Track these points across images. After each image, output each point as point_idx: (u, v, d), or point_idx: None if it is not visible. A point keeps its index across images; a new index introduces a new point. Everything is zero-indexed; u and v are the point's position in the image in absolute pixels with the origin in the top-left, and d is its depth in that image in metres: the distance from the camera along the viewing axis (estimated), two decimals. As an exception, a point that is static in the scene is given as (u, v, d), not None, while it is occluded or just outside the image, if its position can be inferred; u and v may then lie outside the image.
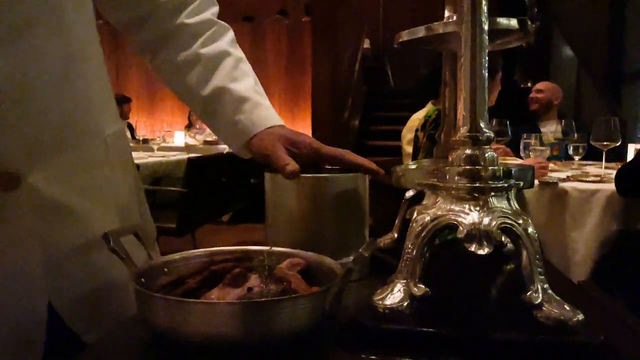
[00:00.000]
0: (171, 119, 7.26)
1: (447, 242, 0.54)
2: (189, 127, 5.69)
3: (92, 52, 0.64)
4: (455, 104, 0.58)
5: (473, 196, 0.46)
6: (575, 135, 2.49)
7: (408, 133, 2.33)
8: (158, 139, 4.34)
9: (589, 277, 1.88)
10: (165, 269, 0.54)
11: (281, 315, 0.43)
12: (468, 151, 0.48)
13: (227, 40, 0.77)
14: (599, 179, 2.09)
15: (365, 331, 0.46)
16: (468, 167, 0.47)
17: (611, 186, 1.88)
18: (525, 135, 2.40)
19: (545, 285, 0.44)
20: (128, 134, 0.81)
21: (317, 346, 0.46)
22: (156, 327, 0.45)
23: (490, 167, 0.47)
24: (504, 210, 0.46)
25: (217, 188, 3.22)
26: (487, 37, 0.47)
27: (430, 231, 0.46)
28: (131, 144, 0.79)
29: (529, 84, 5.20)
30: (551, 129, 3.10)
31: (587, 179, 2.10)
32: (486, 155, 0.48)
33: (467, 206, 0.46)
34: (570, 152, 2.50)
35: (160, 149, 3.97)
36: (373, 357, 0.44)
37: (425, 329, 0.44)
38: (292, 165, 0.61)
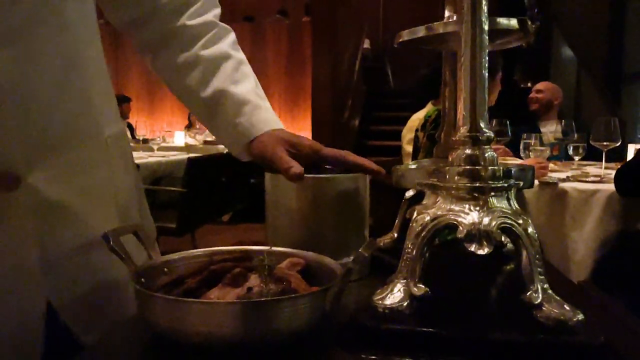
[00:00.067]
0: (171, 119, 7.26)
1: (447, 242, 0.54)
2: (189, 127, 5.69)
3: (93, 53, 0.64)
4: (455, 103, 0.58)
5: (473, 196, 0.46)
6: (575, 135, 2.49)
7: (408, 133, 2.33)
8: (158, 138, 4.34)
9: (589, 277, 1.88)
10: (165, 269, 0.54)
11: (281, 315, 0.43)
12: (468, 151, 0.48)
13: (228, 42, 0.77)
14: (598, 179, 2.09)
15: (365, 331, 0.46)
16: (468, 167, 0.47)
17: (611, 186, 1.88)
18: (525, 136, 2.40)
19: (545, 286, 0.44)
20: (128, 133, 0.81)
21: (317, 346, 0.46)
22: (156, 326, 0.45)
23: (490, 167, 0.47)
24: (504, 210, 0.46)
25: (217, 188, 3.22)
26: (487, 37, 0.47)
27: (430, 231, 0.46)
28: (131, 144, 0.79)
29: (529, 84, 5.20)
30: (551, 129, 3.10)
31: (587, 179, 2.10)
32: (486, 155, 0.48)
33: (467, 206, 0.46)
34: (570, 152, 2.49)
35: (160, 148, 3.97)
36: (373, 357, 0.44)
37: (425, 329, 0.44)
38: (296, 167, 0.61)
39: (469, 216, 0.45)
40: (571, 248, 1.97)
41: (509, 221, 0.45)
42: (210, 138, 4.79)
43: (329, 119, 5.57)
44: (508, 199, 0.47)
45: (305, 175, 0.61)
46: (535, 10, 0.54)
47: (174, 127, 6.12)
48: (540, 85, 3.35)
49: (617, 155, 2.40)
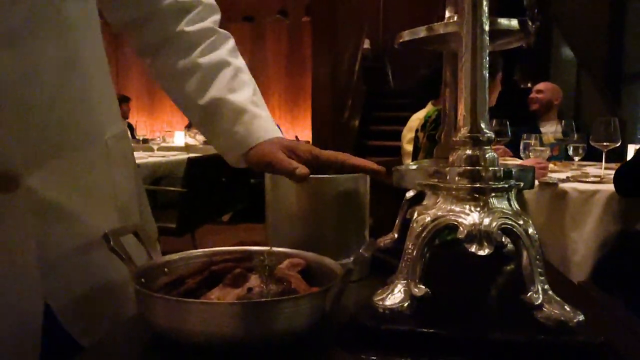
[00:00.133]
0: (171, 119, 7.27)
1: (447, 242, 0.54)
2: (189, 127, 5.68)
3: (94, 53, 0.64)
4: (456, 104, 0.58)
5: (473, 197, 0.46)
6: (575, 135, 2.49)
7: (408, 133, 2.33)
8: (158, 138, 4.35)
9: (589, 278, 1.88)
10: (166, 269, 0.54)
11: (281, 315, 0.43)
12: (469, 152, 0.48)
13: (227, 49, 0.77)
14: (598, 179, 2.09)
15: (366, 331, 0.45)
16: (468, 167, 0.47)
17: (611, 187, 1.88)
18: (525, 136, 2.40)
19: (546, 286, 0.44)
20: (128, 134, 0.81)
21: (317, 346, 0.46)
22: (156, 327, 0.45)
23: (490, 168, 0.47)
24: (504, 210, 0.46)
25: (217, 188, 3.22)
26: (487, 38, 0.47)
27: (430, 231, 0.46)
28: (131, 144, 0.78)
29: (529, 85, 5.20)
30: (551, 130, 3.10)
31: (587, 180, 2.11)
32: (487, 155, 0.48)
33: (467, 207, 0.46)
34: (570, 152, 2.49)
35: (160, 148, 3.97)
36: (373, 357, 0.44)
37: (425, 330, 0.44)
38: (301, 168, 0.60)
39: (470, 217, 0.45)
40: (571, 248, 1.97)
41: (510, 222, 0.45)
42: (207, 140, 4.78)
43: (329, 119, 5.57)
44: (509, 200, 0.47)
45: (306, 175, 0.61)
46: (535, 11, 0.54)
47: (174, 127, 6.12)
48: (540, 86, 3.35)
49: (617, 155, 2.40)
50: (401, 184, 0.59)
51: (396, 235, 0.66)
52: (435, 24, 0.54)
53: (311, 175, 0.63)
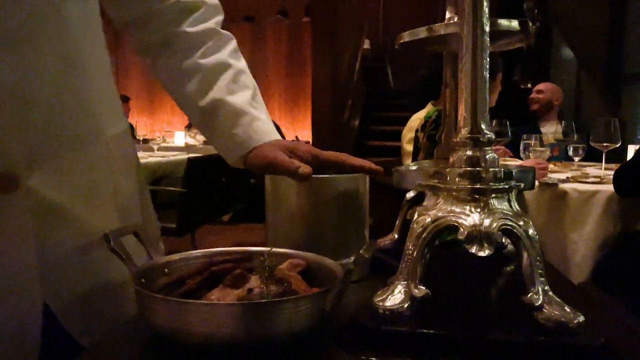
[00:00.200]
0: (171, 119, 7.27)
1: (447, 242, 0.54)
2: (189, 127, 5.68)
3: (95, 53, 0.63)
4: (456, 105, 0.58)
5: (474, 197, 0.46)
6: (575, 136, 2.49)
7: (408, 133, 2.33)
8: (158, 138, 4.35)
9: (589, 278, 1.88)
10: (166, 270, 0.54)
11: (281, 316, 0.43)
12: (469, 152, 0.48)
13: (228, 51, 0.77)
14: (598, 180, 2.09)
15: (366, 332, 0.45)
16: (469, 168, 0.47)
17: (611, 187, 1.88)
18: (525, 136, 2.40)
19: (546, 287, 0.44)
20: (130, 133, 0.79)
21: (317, 347, 0.46)
22: (156, 327, 0.45)
23: (491, 169, 0.47)
24: (504, 211, 0.46)
25: (217, 188, 3.22)
26: (488, 39, 0.47)
27: (431, 232, 0.46)
28: (134, 143, 0.78)
29: (529, 85, 5.20)
30: (551, 130, 3.10)
31: (587, 180, 2.11)
32: (487, 156, 0.48)
33: (467, 207, 0.46)
34: (570, 153, 2.50)
35: (160, 148, 3.97)
36: (373, 358, 0.44)
37: (425, 331, 0.44)
38: (304, 167, 0.60)
39: (470, 218, 0.45)
40: (571, 249, 1.97)
41: (510, 223, 0.45)
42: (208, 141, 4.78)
43: (329, 119, 5.57)
44: (509, 201, 0.47)
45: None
46: (535, 11, 0.54)
47: (174, 127, 6.12)
48: (540, 86, 3.35)
49: (617, 156, 2.40)
50: (401, 184, 0.59)
51: (396, 236, 0.66)
52: (436, 24, 0.54)
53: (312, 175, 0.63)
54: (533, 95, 3.33)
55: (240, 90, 0.74)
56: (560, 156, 2.68)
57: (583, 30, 5.08)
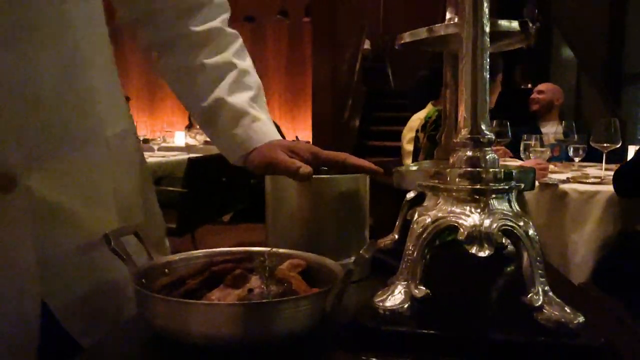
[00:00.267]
0: (171, 119, 7.26)
1: (447, 243, 0.54)
2: (190, 127, 5.68)
3: (97, 52, 0.63)
4: (456, 105, 0.58)
5: (474, 198, 0.46)
6: (575, 136, 2.49)
7: (408, 132, 2.34)
8: (158, 139, 4.35)
9: (589, 279, 1.88)
10: (166, 270, 0.54)
11: (282, 316, 0.43)
12: (469, 153, 0.48)
13: (233, 50, 0.76)
14: (599, 180, 2.09)
15: (366, 332, 0.46)
16: (469, 169, 0.47)
17: (611, 188, 1.88)
18: (525, 137, 2.40)
19: (546, 288, 0.44)
20: (133, 131, 0.78)
21: (318, 347, 0.46)
22: (157, 327, 0.45)
23: (491, 169, 0.47)
24: (504, 212, 0.46)
25: (218, 188, 3.22)
26: (488, 39, 0.48)
27: (431, 233, 0.46)
28: (138, 141, 0.77)
29: (529, 85, 5.20)
30: (552, 130, 3.10)
31: (587, 181, 2.11)
32: (487, 157, 0.48)
33: (468, 208, 0.46)
34: (571, 153, 2.49)
35: (160, 149, 3.97)
36: (373, 358, 0.44)
37: (425, 331, 0.44)
38: (304, 167, 0.60)
39: (470, 218, 0.45)
40: (571, 249, 1.97)
41: (510, 223, 0.45)
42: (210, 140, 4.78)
43: (329, 119, 5.57)
44: (509, 201, 0.47)
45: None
46: (536, 12, 0.54)
47: (174, 127, 6.12)
48: (541, 86, 3.35)
49: (617, 156, 2.40)
50: (402, 185, 0.59)
51: (396, 236, 0.66)
52: (436, 25, 0.54)
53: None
54: (534, 95, 3.33)
55: (242, 90, 0.74)
56: (561, 157, 2.68)
57: (583, 31, 5.08)
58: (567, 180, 2.12)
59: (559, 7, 5.36)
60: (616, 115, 3.86)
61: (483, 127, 0.48)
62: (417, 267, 0.46)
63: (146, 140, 4.19)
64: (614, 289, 1.74)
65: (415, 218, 0.48)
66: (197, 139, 5.15)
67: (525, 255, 0.45)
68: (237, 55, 0.77)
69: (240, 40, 0.79)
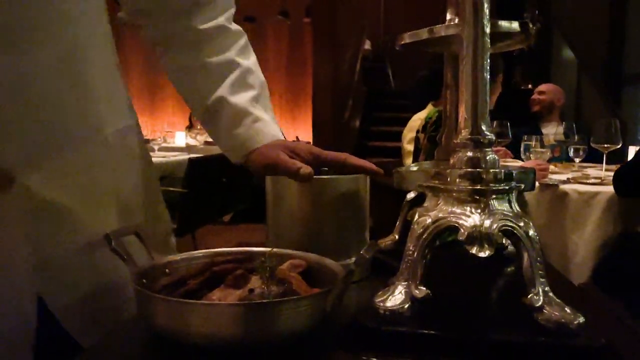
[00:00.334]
0: (172, 119, 7.26)
1: (448, 243, 0.54)
2: (190, 127, 5.69)
3: (96, 50, 0.62)
4: (457, 106, 0.58)
5: (474, 198, 0.46)
6: (576, 137, 2.49)
7: (409, 132, 2.34)
8: (159, 139, 4.34)
9: (589, 279, 1.88)
10: (167, 270, 0.54)
11: (282, 316, 0.43)
12: (469, 154, 0.48)
13: (237, 49, 0.76)
14: (599, 181, 2.09)
15: (366, 333, 0.46)
16: (469, 169, 0.48)
17: (611, 188, 1.88)
18: (525, 137, 2.41)
19: (547, 288, 0.44)
20: (136, 128, 0.77)
21: (318, 347, 0.46)
22: (157, 328, 0.46)
23: (491, 170, 0.47)
24: (505, 212, 0.46)
25: (218, 188, 3.22)
26: (488, 40, 0.48)
27: (431, 233, 0.46)
28: (142, 138, 0.76)
29: (530, 86, 5.20)
30: (553, 131, 3.10)
31: (588, 181, 2.11)
32: (488, 157, 0.48)
33: (468, 208, 0.46)
34: (571, 154, 2.50)
35: (161, 149, 3.96)
36: (374, 358, 0.44)
37: (426, 331, 0.44)
38: (305, 168, 0.60)
39: (470, 219, 0.45)
40: (571, 250, 1.97)
41: (510, 224, 0.45)
42: (211, 139, 4.78)
43: (330, 120, 5.58)
44: (509, 202, 0.47)
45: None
46: (536, 12, 0.54)
47: (174, 128, 6.11)
48: (542, 87, 3.35)
49: (617, 157, 2.40)
50: (402, 185, 0.59)
51: (397, 237, 0.66)
52: (437, 26, 0.54)
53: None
54: (535, 96, 3.33)
55: (245, 90, 0.74)
56: (561, 157, 2.68)
57: (583, 31, 5.09)
58: (568, 181, 2.12)
59: (559, 7, 5.36)
60: (616, 115, 3.86)
61: (483, 127, 0.48)
62: (418, 268, 0.46)
63: (147, 141, 4.18)
64: (614, 289, 1.75)
65: (415, 218, 0.48)
66: (198, 139, 5.15)
67: (525, 255, 0.45)
68: (241, 53, 0.76)
69: (244, 38, 0.78)
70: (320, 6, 5.66)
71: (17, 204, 0.53)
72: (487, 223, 0.44)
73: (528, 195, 2.02)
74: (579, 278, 1.86)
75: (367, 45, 7.57)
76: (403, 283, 0.46)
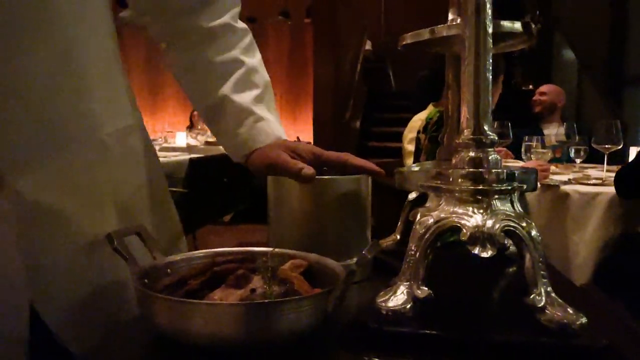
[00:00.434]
0: (173, 119, 7.27)
1: (450, 243, 0.54)
2: (191, 127, 5.69)
3: (93, 48, 0.60)
4: (459, 106, 0.58)
5: (476, 199, 0.46)
6: (577, 138, 2.49)
7: (409, 133, 2.34)
8: (160, 139, 4.35)
9: (590, 280, 1.88)
10: (168, 270, 0.54)
11: (284, 316, 0.43)
12: (472, 154, 0.48)
13: (242, 47, 0.76)
14: (600, 182, 2.09)
15: (368, 333, 0.46)
16: (472, 169, 0.47)
17: (613, 189, 1.88)
18: (526, 138, 2.40)
19: (549, 289, 0.44)
20: (139, 127, 0.76)
21: (320, 348, 0.46)
22: (158, 328, 0.45)
23: (493, 170, 0.47)
24: (507, 213, 0.46)
25: (219, 188, 3.22)
26: (491, 40, 0.48)
27: (433, 233, 0.46)
28: (146, 137, 0.74)
29: (530, 87, 5.20)
30: (554, 132, 3.10)
31: (589, 182, 2.11)
32: (490, 158, 0.48)
33: (470, 209, 0.46)
34: (572, 154, 2.50)
35: (162, 149, 3.97)
36: (375, 358, 0.44)
37: (428, 332, 0.44)
38: (307, 168, 0.60)
39: (473, 219, 0.45)
40: (572, 250, 1.97)
41: (513, 224, 0.45)
42: (212, 139, 4.79)
43: (330, 120, 5.58)
44: (512, 202, 0.47)
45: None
46: (537, 13, 0.54)
47: (175, 128, 6.12)
48: (543, 88, 3.35)
49: (618, 158, 2.40)
50: (404, 185, 0.59)
51: (398, 237, 0.66)
52: (438, 26, 0.54)
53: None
54: (536, 97, 3.33)
55: (248, 89, 0.73)
56: (562, 158, 2.68)
57: (584, 32, 5.08)
58: (569, 182, 2.12)
59: (559, 8, 5.35)
60: (617, 116, 3.86)
61: (486, 127, 0.48)
62: (420, 268, 0.46)
63: (148, 141, 4.18)
64: (615, 290, 1.74)
65: (417, 219, 0.48)
66: (199, 139, 5.15)
67: (527, 256, 0.45)
68: (245, 51, 0.76)
69: (249, 36, 0.78)
70: (321, 7, 5.67)
71: (7, 207, 0.50)
72: (489, 223, 0.44)
73: (529, 196, 2.02)
74: (580, 279, 1.86)
75: (368, 45, 7.57)
76: (405, 283, 0.46)
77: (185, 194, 2.83)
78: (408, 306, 0.45)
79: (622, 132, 2.18)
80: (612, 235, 1.90)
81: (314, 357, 0.46)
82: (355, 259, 0.60)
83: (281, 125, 0.75)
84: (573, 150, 2.48)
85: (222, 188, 3.25)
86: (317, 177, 0.62)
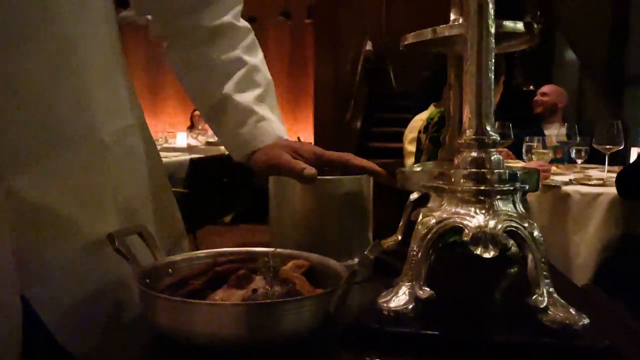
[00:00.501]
0: (173, 120, 7.27)
1: (452, 244, 0.54)
2: (191, 128, 5.69)
3: (92, 47, 0.59)
4: (461, 106, 0.58)
5: (479, 199, 0.46)
6: (578, 138, 2.49)
7: (410, 133, 2.34)
8: (160, 139, 4.35)
9: (591, 281, 1.87)
10: (170, 270, 0.54)
11: (286, 316, 0.43)
12: (474, 154, 0.48)
13: (244, 46, 0.75)
14: (601, 182, 2.08)
15: (370, 333, 0.45)
16: (474, 170, 0.47)
17: (614, 190, 1.88)
18: (527, 138, 2.40)
19: (551, 289, 0.44)
20: (139, 127, 0.75)
21: (321, 348, 0.46)
22: (160, 328, 0.45)
23: (496, 170, 0.47)
24: (509, 213, 0.46)
25: (219, 189, 3.22)
26: (493, 40, 0.47)
27: (435, 234, 0.46)
28: (148, 136, 0.74)
29: (531, 87, 5.20)
30: (555, 132, 3.10)
31: (590, 183, 2.10)
32: (492, 158, 0.48)
33: (472, 209, 0.46)
34: (573, 155, 2.49)
35: (162, 149, 3.97)
36: (377, 359, 0.44)
37: (430, 332, 0.44)
38: (309, 168, 0.60)
39: (475, 219, 0.45)
40: (573, 251, 1.97)
41: (515, 224, 0.45)
42: (213, 139, 4.80)
43: (331, 120, 5.57)
44: (514, 202, 0.47)
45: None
46: (538, 13, 0.54)
47: (176, 128, 6.12)
48: (545, 88, 3.35)
49: (619, 158, 2.40)
50: (405, 186, 0.59)
51: (400, 237, 0.66)
52: (440, 26, 0.54)
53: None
54: (537, 97, 3.33)
55: (250, 88, 0.73)
56: (563, 158, 2.68)
57: (585, 32, 5.08)
58: (570, 182, 2.12)
59: (560, 8, 5.35)
60: (619, 117, 3.85)
61: (488, 128, 0.48)
62: (422, 268, 0.46)
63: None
64: (616, 290, 1.74)
65: (419, 219, 0.48)
66: (199, 139, 5.16)
67: (529, 256, 0.44)
68: (247, 50, 0.76)
69: (251, 35, 0.78)
70: (322, 7, 5.66)
71: (2, 208, 0.49)
72: (491, 224, 0.44)
73: (530, 197, 2.02)
74: (581, 279, 1.86)
75: (369, 46, 7.57)
76: (407, 284, 0.46)
77: (186, 194, 2.83)
78: (410, 307, 0.45)
79: (623, 132, 2.18)
80: (613, 235, 1.90)
81: (315, 357, 0.46)
82: (356, 259, 0.60)
83: (283, 124, 0.75)
84: (574, 151, 2.48)
85: (222, 188, 3.25)
86: (318, 177, 0.62)
